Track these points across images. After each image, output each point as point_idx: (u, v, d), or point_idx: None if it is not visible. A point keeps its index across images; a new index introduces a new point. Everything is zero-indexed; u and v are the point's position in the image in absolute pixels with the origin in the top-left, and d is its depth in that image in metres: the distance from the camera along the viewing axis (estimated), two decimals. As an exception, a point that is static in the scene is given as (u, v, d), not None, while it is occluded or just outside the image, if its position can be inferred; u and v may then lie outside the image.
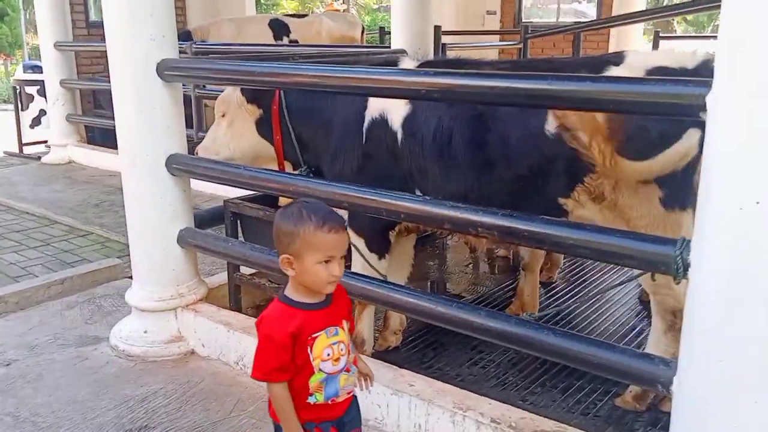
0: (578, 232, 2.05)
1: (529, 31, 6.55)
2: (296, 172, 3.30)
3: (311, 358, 1.73)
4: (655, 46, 8.69)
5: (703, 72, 2.45)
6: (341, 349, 1.78)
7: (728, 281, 1.73)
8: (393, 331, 3.50)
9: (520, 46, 6.47)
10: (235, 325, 3.25)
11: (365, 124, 2.96)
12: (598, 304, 4.07)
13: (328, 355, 1.75)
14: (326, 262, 1.69)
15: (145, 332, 3.41)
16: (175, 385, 3.13)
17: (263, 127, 3.32)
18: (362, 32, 9.42)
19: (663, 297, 2.65)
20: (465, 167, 2.71)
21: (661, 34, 8.92)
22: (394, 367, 2.83)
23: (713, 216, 1.74)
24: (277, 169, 3.32)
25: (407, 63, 2.95)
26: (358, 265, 3.15)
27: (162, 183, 3.23)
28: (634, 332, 3.73)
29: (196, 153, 3.38)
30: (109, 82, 3.19)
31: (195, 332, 3.37)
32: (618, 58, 2.57)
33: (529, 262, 3.63)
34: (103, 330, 3.71)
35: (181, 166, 3.20)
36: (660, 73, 2.44)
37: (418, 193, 2.91)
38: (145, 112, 3.12)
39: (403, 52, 4.91)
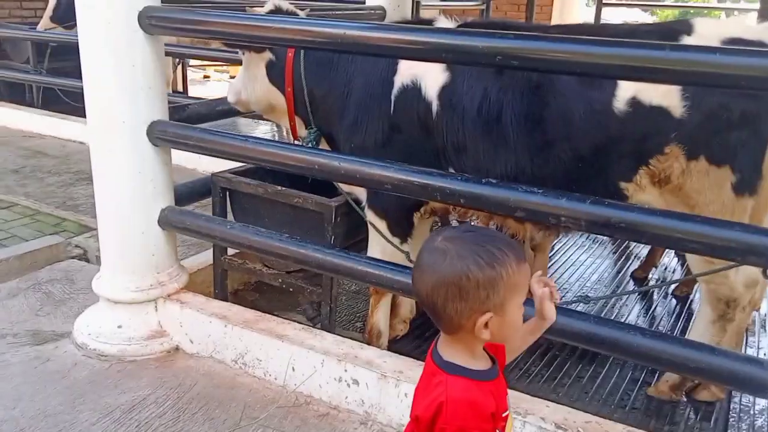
0: (688, 225, 1.83)
1: (493, -9, 6.33)
2: (303, 134, 2.90)
3: None
4: (598, 12, 8.69)
5: (783, 46, 2.27)
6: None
7: None
8: (402, 319, 3.21)
9: (483, 6, 6.20)
10: (232, 318, 2.84)
11: (394, 91, 2.59)
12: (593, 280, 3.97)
13: None
14: None
15: (120, 327, 2.93)
16: (165, 390, 2.71)
17: (274, 74, 2.91)
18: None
19: (717, 286, 2.51)
20: (516, 146, 2.41)
21: (603, 1, 8.92)
22: (430, 365, 2.55)
23: None
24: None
25: (445, 23, 2.59)
26: (376, 250, 2.82)
27: (142, 155, 2.74)
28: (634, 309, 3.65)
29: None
30: (17, 28, 2.63)
31: (181, 326, 2.94)
32: (686, 27, 2.34)
33: (541, 242, 3.42)
34: (61, 323, 3.19)
35: (167, 136, 2.72)
36: (737, 44, 2.24)
37: (451, 171, 2.60)
38: (124, 69, 2.61)
39: (380, 8, 4.51)
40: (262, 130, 7.49)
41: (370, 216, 2.78)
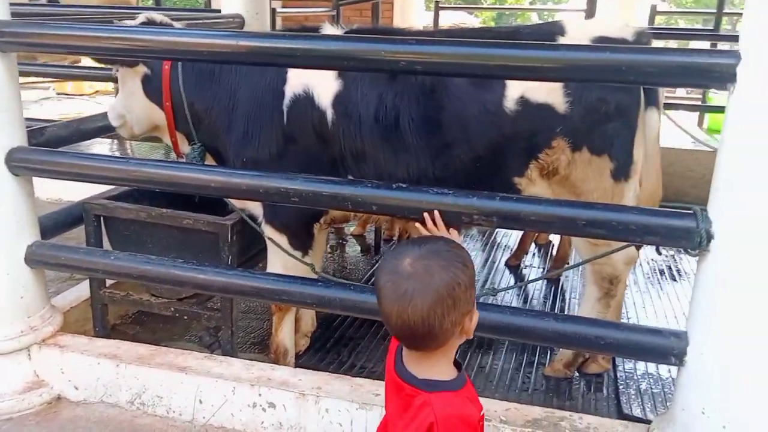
0: (591, 212, 1.95)
1: (342, -3, 6.36)
2: (187, 150, 2.72)
3: None
4: (437, 15, 9.06)
5: (641, 43, 2.52)
6: None
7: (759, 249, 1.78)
8: (304, 333, 3.13)
9: (334, 12, 6.22)
10: (124, 356, 2.60)
11: (286, 102, 2.51)
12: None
13: None
14: None
15: (-12, 384, 2.58)
16: (54, 447, 2.43)
17: (151, 89, 2.71)
18: (138, -6, 8.34)
19: (602, 266, 2.71)
20: (416, 150, 2.44)
21: (440, 5, 9.34)
22: (347, 377, 2.52)
23: (741, 188, 1.77)
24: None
25: (331, 30, 2.55)
26: (277, 265, 2.71)
27: (1, 187, 2.43)
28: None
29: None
30: None
31: (63, 373, 2.64)
32: (558, 28, 2.51)
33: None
34: None
35: (29, 164, 2.44)
36: (603, 42, 2.44)
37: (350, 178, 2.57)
38: (-27, 92, 2.30)
39: (239, 16, 4.37)
40: (104, 148, 6.94)
41: (268, 231, 2.67)
